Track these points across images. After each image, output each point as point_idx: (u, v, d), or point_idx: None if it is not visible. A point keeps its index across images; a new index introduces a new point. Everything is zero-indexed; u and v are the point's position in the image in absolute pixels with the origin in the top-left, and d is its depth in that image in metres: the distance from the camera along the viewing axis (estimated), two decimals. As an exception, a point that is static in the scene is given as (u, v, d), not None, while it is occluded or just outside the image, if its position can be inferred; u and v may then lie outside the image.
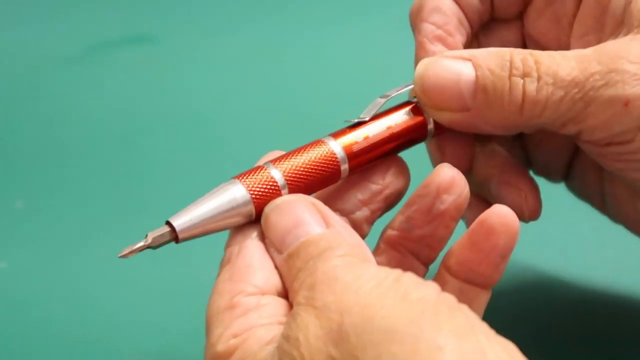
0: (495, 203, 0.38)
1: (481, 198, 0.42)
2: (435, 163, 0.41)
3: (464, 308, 0.29)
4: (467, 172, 0.40)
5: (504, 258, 0.36)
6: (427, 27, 0.41)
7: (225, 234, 0.36)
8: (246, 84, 0.64)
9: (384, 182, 0.38)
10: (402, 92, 0.40)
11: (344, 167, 0.37)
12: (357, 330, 0.28)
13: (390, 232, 0.37)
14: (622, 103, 0.36)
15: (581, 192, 0.45)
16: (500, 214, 0.35)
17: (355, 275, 0.30)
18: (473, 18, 0.42)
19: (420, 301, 0.29)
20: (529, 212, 0.41)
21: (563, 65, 0.37)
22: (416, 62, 0.40)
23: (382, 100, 0.39)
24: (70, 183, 0.56)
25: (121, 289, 0.49)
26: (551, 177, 0.45)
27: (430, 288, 0.30)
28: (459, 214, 0.37)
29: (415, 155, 0.40)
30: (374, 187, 0.38)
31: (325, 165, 0.37)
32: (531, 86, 0.37)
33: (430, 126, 0.39)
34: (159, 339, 0.46)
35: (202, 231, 0.35)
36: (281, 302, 0.33)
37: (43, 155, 0.59)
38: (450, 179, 0.37)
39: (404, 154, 0.39)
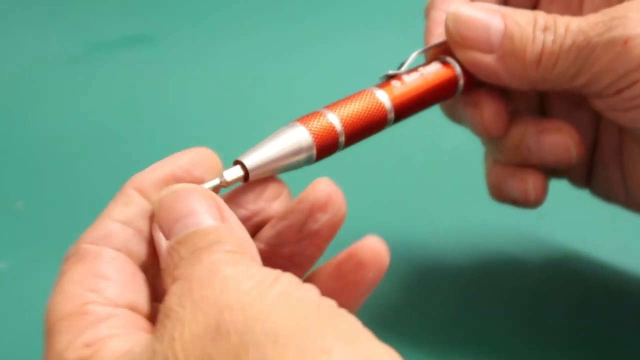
0: (535, 158, 0.42)
1: (517, 164, 0.43)
2: (474, 123, 0.43)
3: (345, 312, 0.29)
4: (504, 132, 0.43)
5: (369, 291, 0.34)
6: (437, 14, 0.43)
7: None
8: (246, 84, 0.64)
9: (255, 206, 0.36)
10: (429, 49, 0.42)
11: (390, 116, 0.39)
12: (238, 329, 0.27)
13: (259, 245, 0.35)
14: (622, 42, 0.38)
15: (606, 191, 0.45)
16: (372, 247, 0.33)
17: (238, 271, 0.29)
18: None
19: (302, 302, 0.28)
20: (576, 147, 0.42)
21: (574, 20, 0.39)
22: (425, 44, 0.43)
23: (413, 56, 0.41)
24: (70, 183, 0.56)
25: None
26: (574, 180, 0.46)
27: (310, 290, 0.29)
28: (333, 234, 0.35)
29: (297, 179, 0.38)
30: (242, 212, 0.35)
31: (375, 113, 0.39)
32: (549, 38, 0.39)
33: (461, 81, 0.41)
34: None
35: (269, 170, 0.36)
36: (134, 316, 0.31)
37: (43, 155, 0.59)
38: (326, 196, 0.34)
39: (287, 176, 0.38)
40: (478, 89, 0.43)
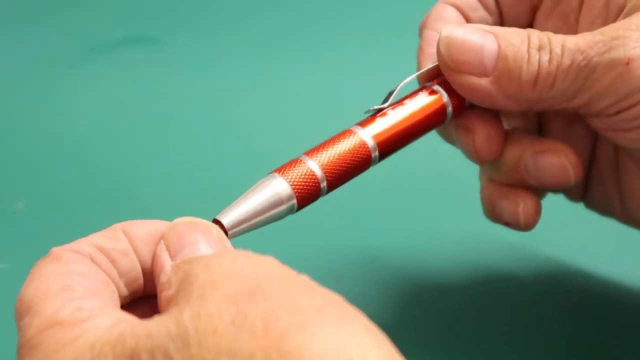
0: (533, 179, 0.42)
1: (515, 185, 0.43)
2: (465, 147, 0.42)
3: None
4: (496, 156, 0.42)
5: None
6: (429, 33, 0.43)
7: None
8: (247, 85, 0.64)
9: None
10: (414, 77, 0.41)
11: (374, 154, 0.38)
12: (274, 293, 0.28)
13: None
14: (624, 63, 0.37)
15: (602, 206, 0.45)
16: None
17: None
18: None
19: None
20: (574, 169, 0.41)
21: (570, 38, 0.39)
22: (418, 67, 0.42)
23: (400, 86, 0.40)
24: (70, 184, 0.56)
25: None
26: (570, 195, 0.46)
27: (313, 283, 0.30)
28: None
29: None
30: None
31: (358, 154, 0.38)
32: (545, 57, 0.38)
33: (450, 108, 0.40)
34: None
35: (249, 227, 0.36)
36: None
37: (43, 156, 0.59)
38: None
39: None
40: (469, 111, 0.42)
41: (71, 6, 0.74)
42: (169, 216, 0.54)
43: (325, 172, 0.37)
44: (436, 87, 0.40)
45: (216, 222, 0.35)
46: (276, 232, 0.40)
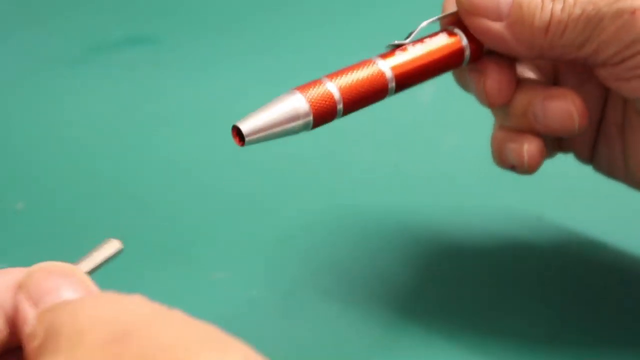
0: (540, 125, 0.43)
1: (523, 131, 0.44)
2: (477, 90, 0.44)
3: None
4: (506, 101, 0.44)
5: None
6: None
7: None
8: (248, 85, 0.64)
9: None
10: (438, 19, 0.43)
11: (391, 85, 0.40)
12: (143, 334, 0.28)
13: None
14: (630, 12, 0.40)
15: (607, 167, 0.46)
16: None
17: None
18: None
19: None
20: (579, 116, 0.43)
21: None
22: (443, 10, 0.44)
23: (421, 26, 0.42)
24: (70, 184, 0.56)
25: (121, 290, 0.49)
26: (579, 155, 0.47)
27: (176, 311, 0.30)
28: None
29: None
30: None
31: (376, 83, 0.40)
32: (558, 6, 0.40)
33: (467, 51, 0.42)
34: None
35: (265, 136, 0.38)
36: None
37: (43, 156, 0.59)
38: None
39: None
40: (485, 57, 0.43)
41: (71, 6, 0.74)
42: (169, 216, 0.54)
43: (342, 95, 0.39)
44: (456, 30, 0.42)
45: (235, 128, 0.39)
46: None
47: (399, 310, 0.47)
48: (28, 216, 0.54)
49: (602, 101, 0.46)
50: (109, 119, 0.62)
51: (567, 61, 0.43)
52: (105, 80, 0.65)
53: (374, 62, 0.41)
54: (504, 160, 0.45)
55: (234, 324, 0.46)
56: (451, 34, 0.42)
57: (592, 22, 0.40)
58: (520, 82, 0.44)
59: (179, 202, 0.54)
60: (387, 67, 0.40)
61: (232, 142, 0.59)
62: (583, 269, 0.49)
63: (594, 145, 0.46)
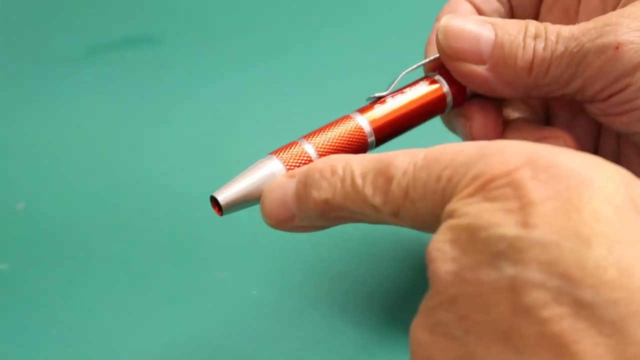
0: None
1: None
2: (464, 134, 0.43)
3: None
4: None
5: None
6: None
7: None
8: (248, 85, 0.64)
9: None
10: (420, 66, 0.43)
11: (371, 139, 0.40)
12: None
13: None
14: (613, 47, 0.39)
15: None
16: None
17: None
18: None
19: None
20: None
21: (566, 27, 0.40)
22: (425, 55, 0.44)
23: (401, 76, 0.42)
24: (71, 184, 0.56)
25: (121, 290, 0.49)
26: None
27: None
28: None
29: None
30: None
31: (354, 139, 0.40)
32: (540, 45, 0.40)
33: (449, 98, 0.42)
34: (160, 340, 0.46)
35: (245, 204, 0.38)
36: None
37: (44, 156, 0.59)
38: None
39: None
40: (470, 101, 0.43)
41: (71, 6, 0.74)
42: (169, 216, 0.54)
43: (320, 155, 0.39)
44: (437, 77, 0.42)
45: (213, 198, 0.38)
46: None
47: (399, 311, 0.47)
48: (28, 216, 0.54)
49: (596, 133, 0.45)
50: (109, 119, 0.62)
51: (554, 98, 0.42)
52: (105, 80, 0.65)
53: (352, 118, 0.40)
54: None
55: (234, 324, 0.47)
56: (432, 81, 0.42)
57: (576, 59, 0.40)
58: (509, 124, 0.44)
59: (179, 202, 0.54)
60: (365, 122, 0.40)
61: (233, 142, 0.60)
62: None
63: None
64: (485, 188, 0.30)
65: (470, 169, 0.31)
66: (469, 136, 0.43)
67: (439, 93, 0.42)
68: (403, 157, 0.34)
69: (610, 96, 0.40)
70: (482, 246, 0.29)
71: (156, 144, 0.59)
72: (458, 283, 0.30)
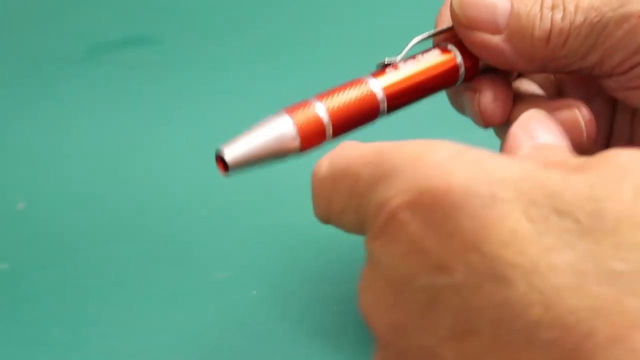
0: None
1: None
2: (472, 109, 0.42)
3: None
4: (505, 118, 0.42)
5: None
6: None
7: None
8: (249, 86, 0.64)
9: None
10: (432, 36, 0.42)
11: (383, 106, 0.39)
12: None
13: None
14: (637, 16, 0.37)
15: None
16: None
17: None
18: None
19: None
20: (587, 125, 0.41)
21: None
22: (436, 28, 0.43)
23: (412, 43, 0.40)
24: (71, 185, 0.56)
25: (121, 290, 0.49)
26: None
27: None
28: None
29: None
30: None
31: (366, 104, 0.38)
32: (558, 15, 0.38)
33: (462, 69, 0.41)
34: (160, 340, 0.46)
35: (251, 162, 0.36)
36: None
37: (44, 156, 0.59)
38: None
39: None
40: (480, 75, 0.42)
41: (71, 6, 0.74)
42: (169, 216, 0.54)
43: (331, 117, 0.37)
44: (450, 47, 0.41)
45: (218, 156, 0.37)
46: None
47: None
48: (28, 216, 0.54)
49: (610, 118, 0.44)
50: (109, 119, 0.62)
51: (571, 72, 0.41)
52: (105, 80, 0.65)
53: (365, 82, 0.39)
54: None
55: (234, 324, 0.47)
56: (445, 50, 0.41)
57: (596, 29, 0.38)
58: (520, 98, 0.42)
59: (179, 202, 0.54)
60: (378, 87, 0.39)
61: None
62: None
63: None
64: (387, 226, 0.29)
65: (370, 202, 0.30)
66: (477, 112, 0.42)
67: (452, 63, 0.41)
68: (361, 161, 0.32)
69: (631, 68, 0.39)
70: (410, 297, 0.28)
71: (156, 144, 0.59)
72: (402, 337, 0.29)
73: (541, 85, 0.44)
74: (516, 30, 0.39)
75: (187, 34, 0.70)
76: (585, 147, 0.42)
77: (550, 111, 0.40)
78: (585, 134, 0.41)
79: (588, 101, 0.44)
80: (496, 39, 0.39)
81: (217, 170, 0.54)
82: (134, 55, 0.68)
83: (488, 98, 0.41)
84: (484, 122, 0.42)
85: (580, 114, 0.41)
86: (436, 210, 0.28)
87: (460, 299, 0.27)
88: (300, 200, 0.54)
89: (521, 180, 0.28)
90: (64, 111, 0.63)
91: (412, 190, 0.29)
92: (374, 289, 0.29)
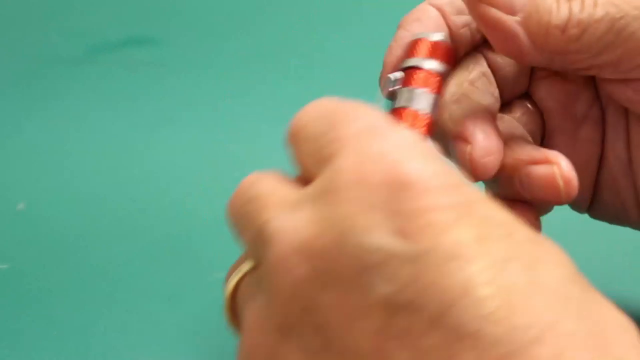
0: (527, 193, 0.38)
1: (513, 199, 0.39)
2: (462, 161, 0.38)
3: None
4: (496, 169, 0.39)
5: None
6: (403, 34, 0.40)
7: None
8: (249, 86, 0.64)
9: None
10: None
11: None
12: None
13: None
14: None
15: (613, 210, 0.41)
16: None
17: None
18: (461, 37, 0.40)
19: None
20: (565, 184, 0.37)
21: None
22: (384, 66, 0.40)
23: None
24: (71, 185, 0.56)
25: (121, 290, 0.49)
26: (576, 206, 0.43)
27: None
28: None
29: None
30: None
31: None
32: (576, 6, 0.36)
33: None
34: (160, 340, 0.46)
35: None
36: None
37: (44, 157, 0.59)
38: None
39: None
40: (467, 119, 0.38)
41: (71, 6, 0.74)
42: (169, 216, 0.54)
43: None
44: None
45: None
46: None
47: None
48: (28, 216, 0.54)
49: (600, 143, 0.41)
50: (109, 120, 0.62)
51: (577, 70, 0.38)
52: (105, 80, 0.65)
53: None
54: None
55: (234, 325, 0.46)
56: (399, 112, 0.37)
57: (617, 26, 0.35)
58: (505, 144, 0.39)
59: (179, 202, 0.54)
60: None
61: (233, 142, 0.60)
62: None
63: (594, 192, 0.41)
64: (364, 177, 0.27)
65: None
66: (468, 166, 0.38)
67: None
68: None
69: None
70: (351, 252, 0.26)
71: (156, 144, 0.59)
72: (314, 293, 0.27)
73: (524, 123, 0.41)
74: (533, 14, 0.36)
75: (187, 34, 0.70)
76: (563, 203, 0.39)
77: (529, 164, 0.38)
78: (563, 192, 0.37)
79: (575, 130, 0.41)
80: (511, 20, 0.36)
81: (217, 170, 0.54)
82: (134, 55, 0.68)
83: (480, 152, 0.38)
84: (475, 177, 0.38)
85: (558, 172, 0.37)
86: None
87: (407, 271, 0.26)
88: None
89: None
90: (64, 111, 0.63)
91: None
92: (311, 230, 0.28)
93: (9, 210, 0.54)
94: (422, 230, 0.26)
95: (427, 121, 0.36)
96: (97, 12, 0.73)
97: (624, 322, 0.26)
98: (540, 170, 0.37)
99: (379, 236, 0.26)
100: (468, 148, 0.38)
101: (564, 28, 0.36)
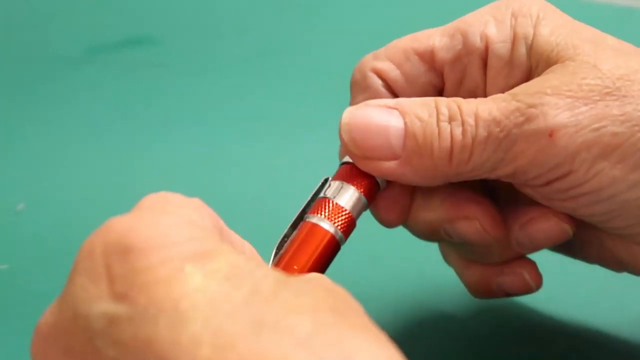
0: (528, 249, 0.40)
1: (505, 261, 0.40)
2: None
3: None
4: (403, 220, 0.40)
5: None
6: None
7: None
8: (249, 87, 0.64)
9: None
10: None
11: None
12: None
13: None
14: (547, 134, 0.35)
15: (615, 259, 0.41)
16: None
17: None
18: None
19: None
20: (571, 226, 0.38)
21: (481, 107, 0.36)
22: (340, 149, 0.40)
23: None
24: (70, 185, 0.56)
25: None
26: (572, 253, 0.42)
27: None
28: None
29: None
30: None
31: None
32: (457, 130, 0.35)
33: (338, 235, 0.38)
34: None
35: None
36: None
37: (44, 157, 0.59)
38: None
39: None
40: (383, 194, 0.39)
41: (71, 6, 0.74)
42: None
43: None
44: (312, 220, 0.38)
45: None
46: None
47: (400, 311, 0.47)
48: (28, 216, 0.54)
49: None
50: (109, 119, 0.62)
51: (483, 178, 0.37)
52: (105, 80, 0.65)
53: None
54: (492, 293, 0.41)
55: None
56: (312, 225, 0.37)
57: (503, 145, 0.35)
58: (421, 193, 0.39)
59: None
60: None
61: (233, 141, 0.60)
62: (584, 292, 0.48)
63: (586, 241, 0.40)
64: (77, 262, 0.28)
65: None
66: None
67: (327, 237, 0.37)
68: None
69: (549, 183, 0.36)
70: (83, 323, 0.27)
71: (156, 144, 0.59)
72: None
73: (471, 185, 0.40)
74: (414, 151, 0.36)
75: (187, 34, 0.70)
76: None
77: (524, 224, 0.39)
78: (570, 233, 0.39)
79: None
80: (393, 165, 0.36)
81: (217, 170, 0.54)
82: (134, 55, 0.68)
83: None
84: (383, 224, 0.40)
85: (561, 220, 0.38)
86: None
87: (132, 331, 0.26)
88: (301, 201, 0.54)
89: None
90: (64, 111, 0.62)
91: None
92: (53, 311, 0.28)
93: (9, 210, 0.54)
94: (140, 289, 0.26)
95: (346, 218, 0.37)
96: (97, 12, 0.73)
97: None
98: (541, 225, 0.38)
99: (103, 303, 0.26)
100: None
101: (449, 157, 0.36)
